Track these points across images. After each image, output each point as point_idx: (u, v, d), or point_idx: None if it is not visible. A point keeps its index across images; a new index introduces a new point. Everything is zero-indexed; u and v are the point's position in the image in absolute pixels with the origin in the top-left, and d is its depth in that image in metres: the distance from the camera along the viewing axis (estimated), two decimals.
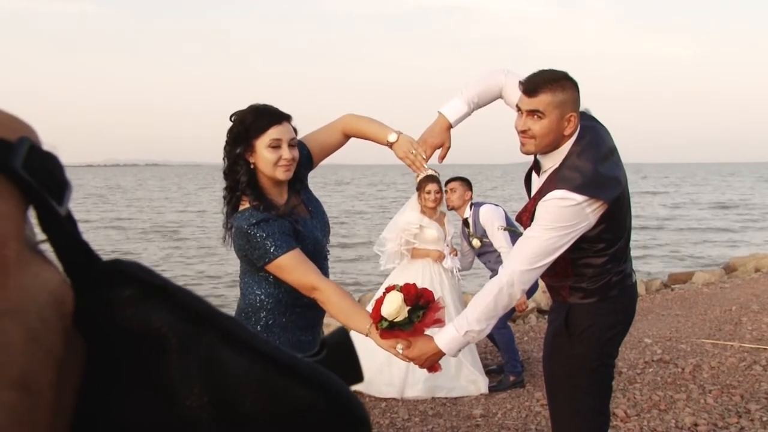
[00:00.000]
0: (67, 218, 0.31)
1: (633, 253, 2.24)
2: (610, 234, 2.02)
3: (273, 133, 1.87)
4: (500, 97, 2.20)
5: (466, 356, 4.24)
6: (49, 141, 0.32)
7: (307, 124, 2.08)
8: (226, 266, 11.31)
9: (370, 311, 1.85)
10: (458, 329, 1.93)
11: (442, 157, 2.14)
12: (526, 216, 2.07)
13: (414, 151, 2.01)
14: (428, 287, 1.94)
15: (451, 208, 4.54)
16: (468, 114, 2.16)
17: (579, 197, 1.89)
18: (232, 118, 1.93)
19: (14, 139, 0.30)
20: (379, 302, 1.82)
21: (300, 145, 1.99)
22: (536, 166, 2.12)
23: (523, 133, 1.98)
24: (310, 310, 1.97)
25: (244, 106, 1.94)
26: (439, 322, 1.87)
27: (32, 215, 0.31)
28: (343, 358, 0.37)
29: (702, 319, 6.06)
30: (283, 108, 1.93)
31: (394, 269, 4.49)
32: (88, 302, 0.31)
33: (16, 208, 0.28)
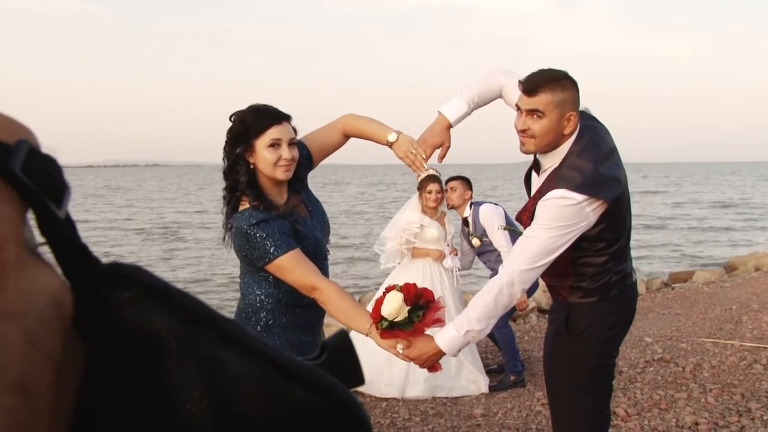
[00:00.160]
0: (66, 221, 0.31)
1: (634, 252, 2.24)
2: (610, 233, 2.02)
3: (273, 133, 1.87)
4: (500, 96, 2.20)
5: (466, 356, 4.24)
6: (48, 142, 0.32)
7: (307, 124, 2.08)
8: (225, 267, 11.30)
9: (370, 311, 1.85)
10: (458, 329, 1.93)
11: (442, 157, 2.14)
12: (526, 215, 2.07)
13: (414, 151, 2.01)
14: (428, 287, 1.94)
15: (450, 207, 4.54)
16: (468, 114, 2.16)
17: (579, 196, 1.89)
18: (232, 118, 1.93)
19: (13, 142, 0.30)
20: (379, 302, 1.82)
21: (300, 145, 1.99)
22: (536, 166, 2.12)
23: (522, 132, 1.98)
24: (311, 310, 1.97)
25: (244, 106, 1.94)
26: (440, 322, 1.87)
27: (31, 218, 0.31)
28: (343, 360, 0.37)
29: (702, 318, 6.06)
30: (283, 108, 1.93)
31: (395, 269, 4.49)
32: (87, 304, 0.31)
33: (14, 212, 0.29)
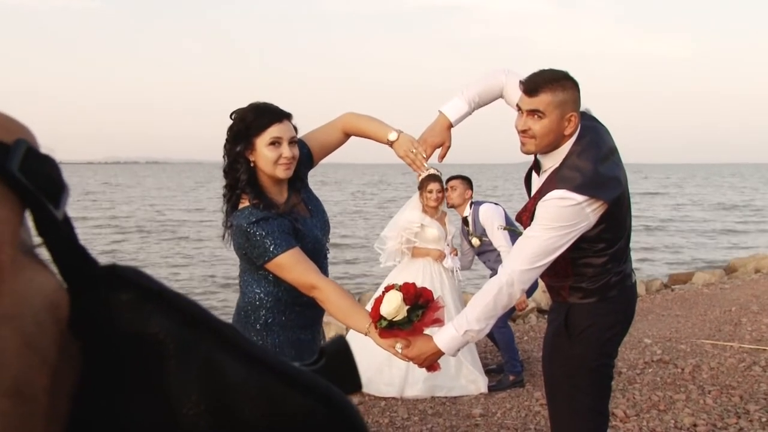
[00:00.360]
0: (63, 222, 0.31)
1: (634, 253, 2.24)
2: (610, 234, 2.01)
3: (273, 131, 1.87)
4: (501, 96, 2.20)
5: (465, 356, 4.24)
6: (49, 139, 0.32)
7: (307, 123, 2.08)
8: (225, 267, 11.28)
9: (370, 310, 1.85)
10: (457, 329, 1.93)
11: (442, 156, 2.13)
12: (526, 215, 2.07)
13: (414, 150, 2.01)
14: (428, 286, 1.94)
15: (450, 206, 4.54)
16: (468, 113, 2.16)
17: (579, 197, 1.88)
18: (233, 116, 1.93)
19: (10, 142, 0.29)
20: (379, 301, 1.82)
21: (300, 144, 1.99)
22: (536, 166, 2.12)
23: (523, 132, 1.97)
24: (310, 308, 1.97)
25: (244, 105, 1.94)
26: (439, 322, 1.87)
27: (29, 218, 0.30)
28: (341, 366, 0.36)
29: (702, 320, 6.07)
30: (284, 107, 1.93)
31: (395, 268, 4.48)
32: (84, 306, 0.31)
33: (12, 212, 0.28)
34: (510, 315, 5.08)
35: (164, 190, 44.81)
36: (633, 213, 2.18)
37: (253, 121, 1.87)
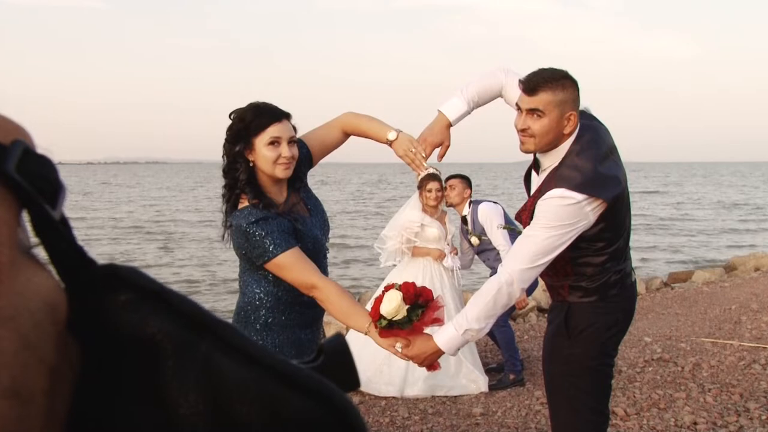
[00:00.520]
0: (61, 222, 0.31)
1: (634, 252, 2.24)
2: (610, 233, 2.02)
3: (272, 131, 1.87)
4: (500, 95, 2.20)
5: (465, 355, 4.24)
6: (49, 141, 0.32)
7: (307, 123, 2.08)
8: (224, 268, 11.27)
9: (370, 310, 1.85)
10: (457, 328, 1.93)
11: (442, 156, 2.14)
12: (526, 214, 2.07)
13: (414, 150, 2.01)
14: (428, 286, 1.94)
15: (449, 205, 4.54)
16: (468, 113, 2.16)
17: (578, 196, 1.88)
18: (232, 116, 1.93)
19: (7, 143, 0.29)
20: (379, 301, 1.82)
21: (300, 144, 1.99)
22: (536, 165, 2.12)
23: (522, 131, 1.97)
24: (310, 308, 1.97)
25: (244, 104, 1.94)
26: (438, 321, 1.87)
27: (26, 219, 0.30)
28: (340, 365, 0.36)
29: (702, 318, 6.07)
30: (283, 106, 1.93)
31: (395, 267, 4.48)
32: (82, 307, 0.31)
33: (9, 213, 0.28)
34: (510, 314, 5.09)
35: (164, 190, 44.80)
36: (633, 212, 2.18)
37: (252, 120, 1.87)
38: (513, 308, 4.74)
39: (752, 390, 4.07)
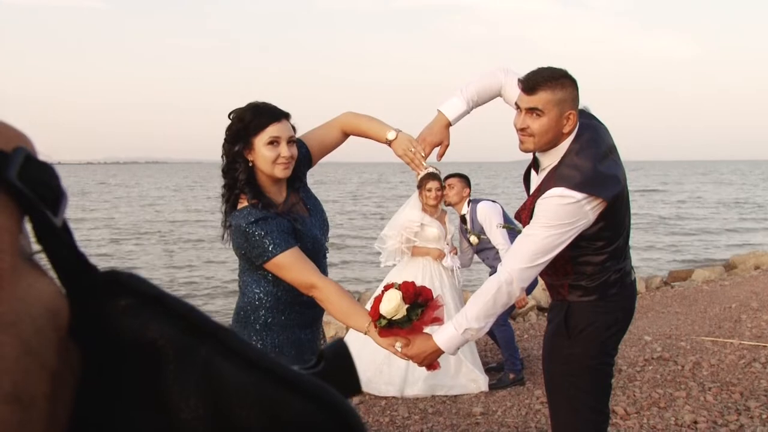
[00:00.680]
0: (62, 228, 0.31)
1: (633, 251, 2.24)
2: (610, 232, 2.02)
3: (272, 130, 1.87)
4: (500, 95, 2.20)
5: (465, 354, 4.24)
6: (47, 141, 0.32)
7: (307, 123, 2.08)
8: (223, 270, 11.24)
9: (369, 309, 1.85)
10: (457, 327, 1.93)
11: (441, 155, 2.14)
12: (525, 213, 2.07)
13: (413, 149, 2.01)
14: (428, 285, 1.94)
15: (448, 204, 4.54)
16: (467, 112, 2.16)
17: (578, 195, 1.89)
18: (231, 116, 1.93)
19: (9, 150, 0.29)
20: (378, 300, 1.82)
21: (299, 144, 1.99)
22: (535, 164, 2.12)
23: (522, 130, 1.98)
24: (310, 308, 1.97)
25: (243, 104, 1.94)
26: (438, 321, 1.87)
27: (28, 225, 0.30)
28: (340, 369, 0.37)
29: (702, 317, 6.07)
30: (283, 106, 1.93)
31: (394, 267, 4.48)
32: (83, 312, 0.31)
33: (11, 220, 0.28)
34: (510, 313, 5.09)
35: (163, 190, 44.75)
36: (632, 210, 2.18)
37: (251, 120, 1.87)
38: (513, 307, 4.74)
39: (752, 388, 4.07)
